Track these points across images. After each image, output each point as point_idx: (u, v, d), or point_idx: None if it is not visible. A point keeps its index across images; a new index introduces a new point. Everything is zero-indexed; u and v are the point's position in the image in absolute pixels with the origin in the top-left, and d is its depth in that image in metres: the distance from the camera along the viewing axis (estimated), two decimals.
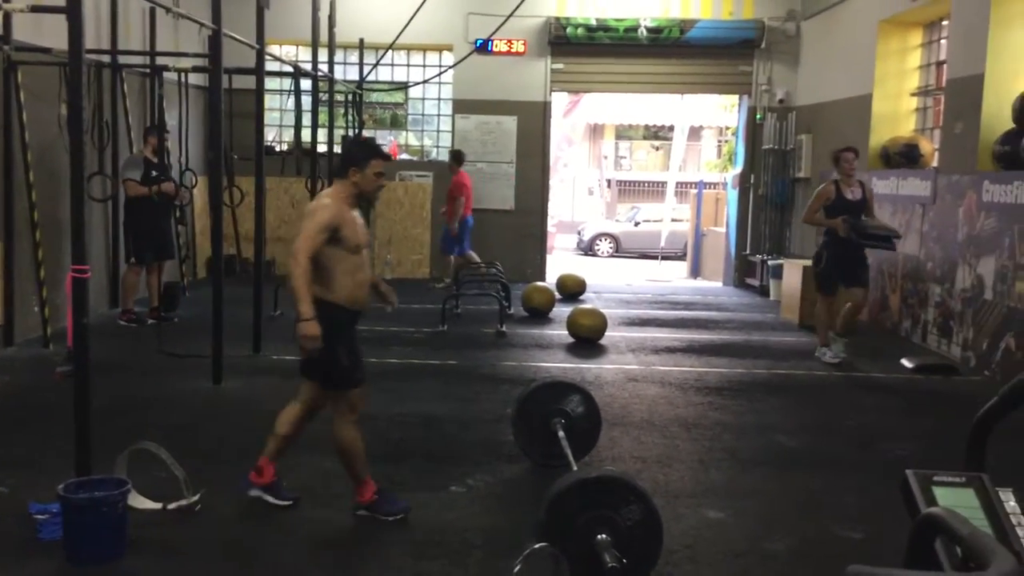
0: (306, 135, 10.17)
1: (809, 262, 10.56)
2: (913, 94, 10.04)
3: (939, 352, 8.41)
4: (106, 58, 9.07)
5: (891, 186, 9.54)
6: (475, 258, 11.85)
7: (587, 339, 8.56)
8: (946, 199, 8.40)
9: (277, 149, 12.88)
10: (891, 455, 5.37)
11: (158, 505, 4.11)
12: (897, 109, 10.11)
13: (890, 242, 7.88)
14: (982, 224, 7.72)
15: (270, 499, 4.22)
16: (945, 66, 8.97)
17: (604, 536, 3.33)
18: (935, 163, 9.12)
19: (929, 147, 9.38)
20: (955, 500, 1.52)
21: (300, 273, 3.90)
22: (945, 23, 9.23)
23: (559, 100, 17.09)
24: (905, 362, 7.88)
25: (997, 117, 7.68)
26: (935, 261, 8.61)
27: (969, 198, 7.96)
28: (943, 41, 9.40)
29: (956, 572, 1.33)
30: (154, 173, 8.45)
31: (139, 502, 4.06)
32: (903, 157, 9.45)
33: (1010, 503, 1.57)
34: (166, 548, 3.79)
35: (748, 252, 13.20)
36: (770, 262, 12.20)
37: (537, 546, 3.23)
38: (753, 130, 13.04)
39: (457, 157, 11.84)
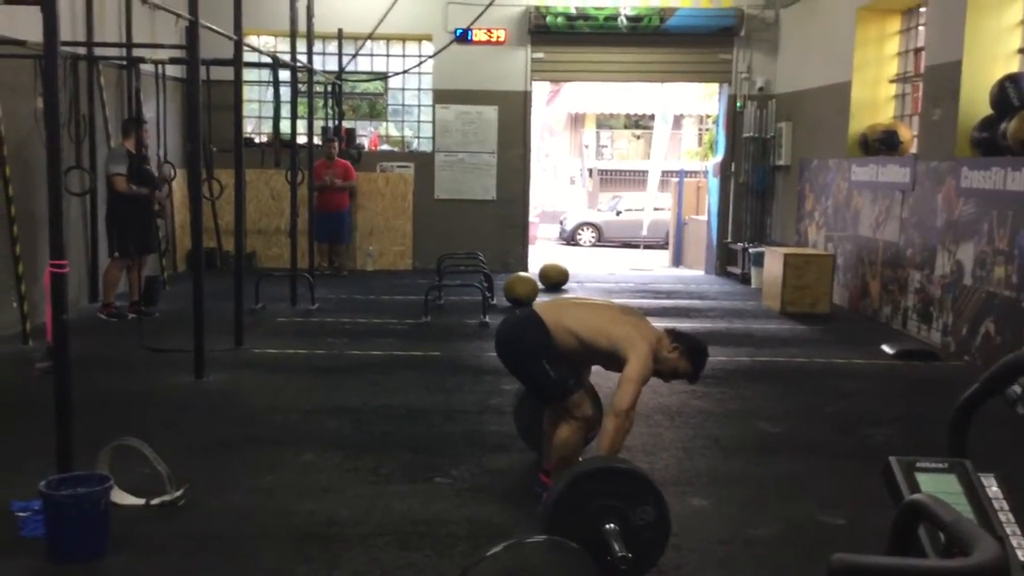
0: (285, 126, 10.11)
1: (792, 250, 10.62)
2: (892, 81, 10.09)
3: (919, 338, 8.48)
4: (82, 50, 8.96)
5: (871, 173, 9.59)
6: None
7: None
8: (925, 185, 8.46)
9: (256, 141, 12.79)
10: (872, 440, 5.41)
11: (141, 501, 4.09)
12: (876, 96, 10.16)
13: None
14: (961, 210, 7.78)
15: None
16: (923, 53, 9.01)
17: (613, 526, 3.34)
18: (914, 149, 9.17)
19: (908, 134, 9.43)
20: (938, 486, 1.53)
21: (627, 430, 3.96)
22: (923, 10, 9.26)
23: (540, 89, 17.06)
24: (885, 348, 7.94)
25: (975, 103, 7.72)
26: (915, 247, 8.66)
27: (948, 184, 8.01)
28: (921, 28, 9.44)
29: (940, 558, 1.34)
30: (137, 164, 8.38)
31: (122, 498, 4.03)
32: (882, 144, 9.50)
33: (992, 488, 1.59)
34: (149, 544, 3.77)
35: (729, 240, 13.24)
36: (751, 250, 12.25)
37: (550, 537, 3.16)
38: (733, 118, 13.06)
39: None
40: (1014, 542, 1.52)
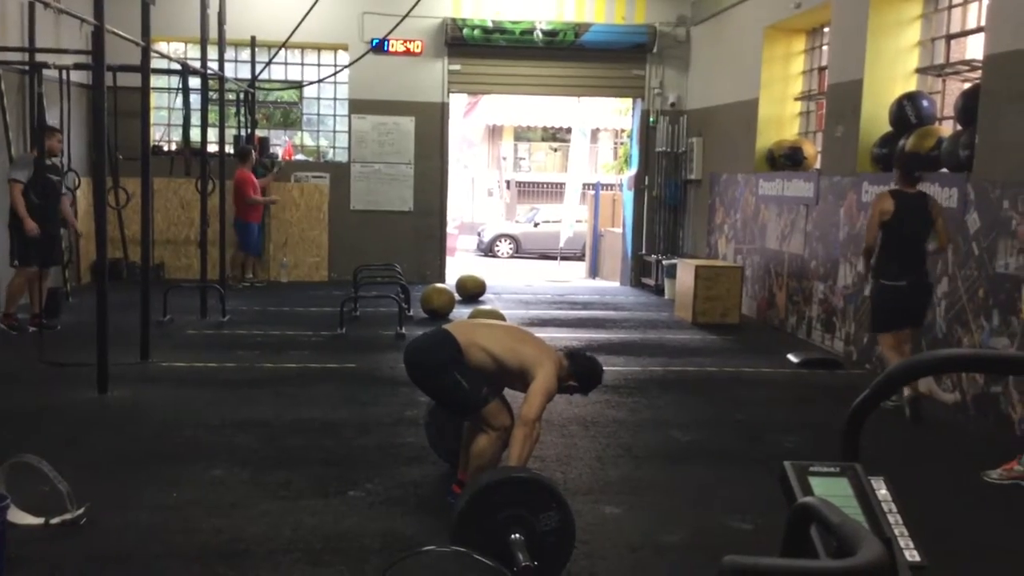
0: (196, 135, 9.90)
1: (703, 262, 10.86)
2: (797, 98, 10.41)
3: (823, 347, 8.75)
4: None
5: (777, 187, 9.87)
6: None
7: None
8: (828, 200, 8.74)
9: (165, 149, 12.50)
10: (779, 447, 5.55)
11: (40, 520, 3.94)
12: (782, 113, 10.47)
13: None
14: (862, 223, 8.06)
15: None
16: (826, 71, 9.33)
17: (518, 536, 3.37)
18: (818, 165, 9.48)
19: (812, 150, 9.75)
20: (830, 489, 1.57)
21: (535, 439, 4.17)
22: (826, 30, 9.60)
23: (457, 101, 17.06)
24: (791, 357, 8.16)
25: (875, 121, 8.03)
26: (818, 259, 8.95)
27: (850, 198, 8.30)
28: (824, 47, 9.78)
29: (827, 559, 1.38)
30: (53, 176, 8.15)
31: (19, 518, 3.88)
32: (788, 159, 9.80)
33: (881, 491, 1.64)
34: (48, 565, 3.64)
35: (644, 252, 13.46)
36: (664, 262, 12.48)
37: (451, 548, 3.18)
38: (647, 133, 13.30)
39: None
40: (902, 543, 1.57)
